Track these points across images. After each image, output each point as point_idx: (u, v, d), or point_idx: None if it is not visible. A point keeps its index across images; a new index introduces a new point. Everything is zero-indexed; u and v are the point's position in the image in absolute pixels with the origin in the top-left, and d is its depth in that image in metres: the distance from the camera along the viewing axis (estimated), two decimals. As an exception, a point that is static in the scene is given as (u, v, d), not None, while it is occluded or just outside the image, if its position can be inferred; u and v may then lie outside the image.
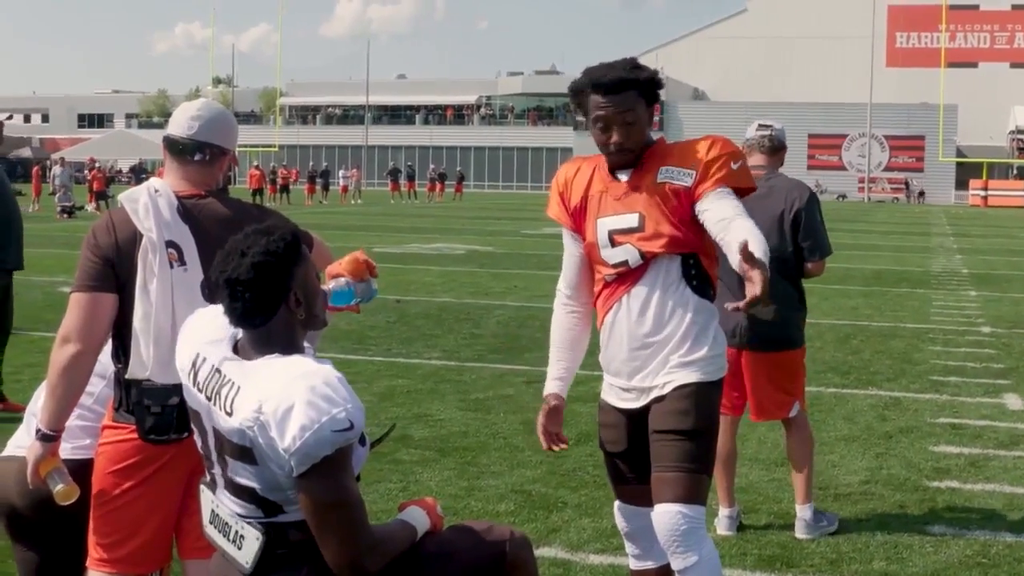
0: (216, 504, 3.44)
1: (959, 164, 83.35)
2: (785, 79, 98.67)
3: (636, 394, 4.40)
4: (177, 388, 3.74)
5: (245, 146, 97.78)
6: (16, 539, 4.59)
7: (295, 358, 3.27)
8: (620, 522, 4.63)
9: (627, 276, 4.37)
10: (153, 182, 4.06)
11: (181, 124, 4.12)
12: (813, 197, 6.61)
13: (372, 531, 3.30)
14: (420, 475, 7.52)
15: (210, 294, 3.55)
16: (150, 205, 3.96)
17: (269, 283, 3.28)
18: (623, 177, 4.39)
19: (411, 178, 72.05)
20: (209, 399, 3.31)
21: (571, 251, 4.61)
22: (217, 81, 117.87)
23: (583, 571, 5.84)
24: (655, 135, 4.46)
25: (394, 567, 3.41)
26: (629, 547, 4.66)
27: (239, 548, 3.34)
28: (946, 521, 6.83)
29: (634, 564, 4.67)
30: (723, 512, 6.60)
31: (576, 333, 4.67)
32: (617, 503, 4.63)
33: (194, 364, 3.42)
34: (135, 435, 3.99)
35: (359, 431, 3.17)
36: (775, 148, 6.68)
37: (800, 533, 6.49)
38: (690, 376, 4.32)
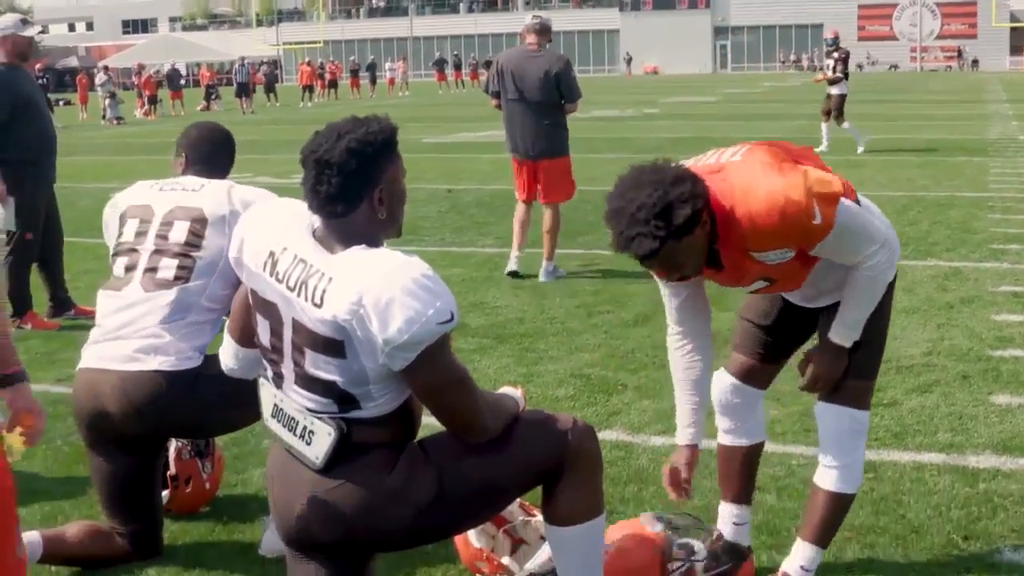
0: (280, 399, 3.43)
1: (1013, 29, 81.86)
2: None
3: (808, 300, 4.27)
4: None
5: (290, 43, 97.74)
6: (95, 448, 4.60)
7: (384, 251, 3.26)
8: (721, 395, 4.41)
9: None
10: None
11: None
12: (567, 64, 10.34)
13: (486, 396, 3.45)
14: (479, 363, 7.51)
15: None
16: None
17: (358, 171, 3.25)
18: (720, 259, 3.86)
19: (458, 67, 71.74)
20: (292, 289, 3.27)
21: (674, 293, 4.15)
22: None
23: (644, 452, 5.81)
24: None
25: (454, 455, 3.42)
26: (723, 422, 4.48)
27: (308, 443, 3.35)
28: (1011, 390, 6.75)
29: (725, 440, 4.51)
30: (545, 264, 10.45)
31: (697, 373, 4.20)
32: (723, 374, 4.41)
33: (272, 253, 3.37)
34: None
35: (457, 321, 3.20)
36: (542, 30, 10.45)
37: (540, 278, 10.37)
38: None
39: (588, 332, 8.37)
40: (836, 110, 20.99)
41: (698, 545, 4.24)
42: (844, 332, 4.05)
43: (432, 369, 3.21)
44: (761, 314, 4.39)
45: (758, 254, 3.78)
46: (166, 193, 4.79)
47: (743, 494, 4.55)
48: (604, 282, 10.18)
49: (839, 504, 4.19)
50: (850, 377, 4.13)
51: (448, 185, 17.52)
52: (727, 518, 4.55)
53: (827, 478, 4.16)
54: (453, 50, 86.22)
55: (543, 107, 10.28)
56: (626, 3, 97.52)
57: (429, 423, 3.47)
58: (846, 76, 20.89)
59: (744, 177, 3.73)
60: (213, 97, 51.72)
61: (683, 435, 4.22)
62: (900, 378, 6.94)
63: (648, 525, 4.22)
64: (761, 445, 4.54)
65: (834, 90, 20.82)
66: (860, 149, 20.91)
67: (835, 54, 21.05)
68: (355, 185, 3.25)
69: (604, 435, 5.87)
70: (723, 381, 4.42)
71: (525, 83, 10.30)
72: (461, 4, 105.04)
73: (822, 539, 4.20)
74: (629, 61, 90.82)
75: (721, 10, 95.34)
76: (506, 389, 3.79)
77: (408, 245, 11.86)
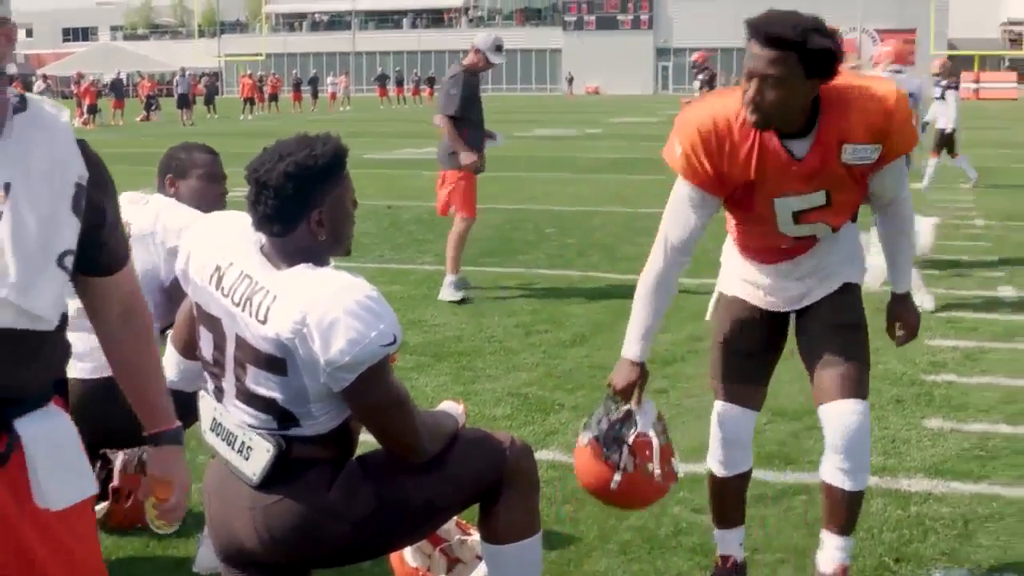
0: (220, 413, 3.42)
1: (951, 57, 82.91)
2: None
3: (792, 302, 4.35)
4: None
5: (232, 55, 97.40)
6: None
7: (329, 271, 3.26)
8: (722, 427, 4.43)
9: (806, 241, 4.21)
10: None
11: None
12: (448, 78, 10.48)
13: (424, 417, 3.44)
14: (416, 381, 7.50)
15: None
16: None
17: (295, 195, 3.24)
18: (799, 152, 3.93)
19: (399, 83, 71.80)
20: (237, 304, 3.26)
21: (699, 213, 4.09)
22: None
23: (581, 473, 5.82)
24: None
25: (392, 472, 3.42)
26: (721, 454, 4.48)
27: (246, 459, 3.34)
28: (943, 415, 6.83)
29: (721, 472, 4.52)
30: (449, 279, 10.32)
31: (671, 295, 4.24)
32: (723, 406, 4.42)
33: (218, 268, 3.36)
34: None
35: (399, 344, 3.20)
36: (471, 49, 10.51)
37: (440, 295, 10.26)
38: (852, 276, 4.33)
39: (526, 351, 8.39)
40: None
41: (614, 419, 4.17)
42: (906, 278, 4.40)
43: (372, 391, 3.21)
44: (742, 339, 4.39)
45: (852, 147, 3.89)
46: (126, 206, 4.78)
47: (743, 515, 4.64)
48: (542, 302, 10.21)
49: (861, 499, 4.32)
50: (862, 366, 4.21)
51: (388, 201, 17.49)
52: (734, 542, 4.62)
53: (852, 479, 4.21)
54: (396, 66, 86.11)
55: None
56: (569, 23, 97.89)
57: (368, 439, 3.48)
58: None
59: (859, 80, 4.00)
60: (153, 108, 51.40)
61: (639, 351, 4.17)
62: (835, 401, 6.98)
63: (581, 440, 4.17)
64: (747, 473, 4.58)
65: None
66: None
67: (700, 76, 21.30)
68: (291, 207, 3.24)
69: (540, 455, 5.87)
70: (729, 412, 4.42)
71: None
72: (404, 20, 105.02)
73: (850, 529, 4.32)
74: (571, 81, 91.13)
75: (664, 32, 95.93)
76: (447, 404, 3.80)
77: (348, 261, 11.77)
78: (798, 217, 4.07)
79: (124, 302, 2.87)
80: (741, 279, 4.42)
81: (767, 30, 3.72)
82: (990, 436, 6.44)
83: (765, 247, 4.28)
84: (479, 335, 8.93)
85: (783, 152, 3.91)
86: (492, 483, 3.59)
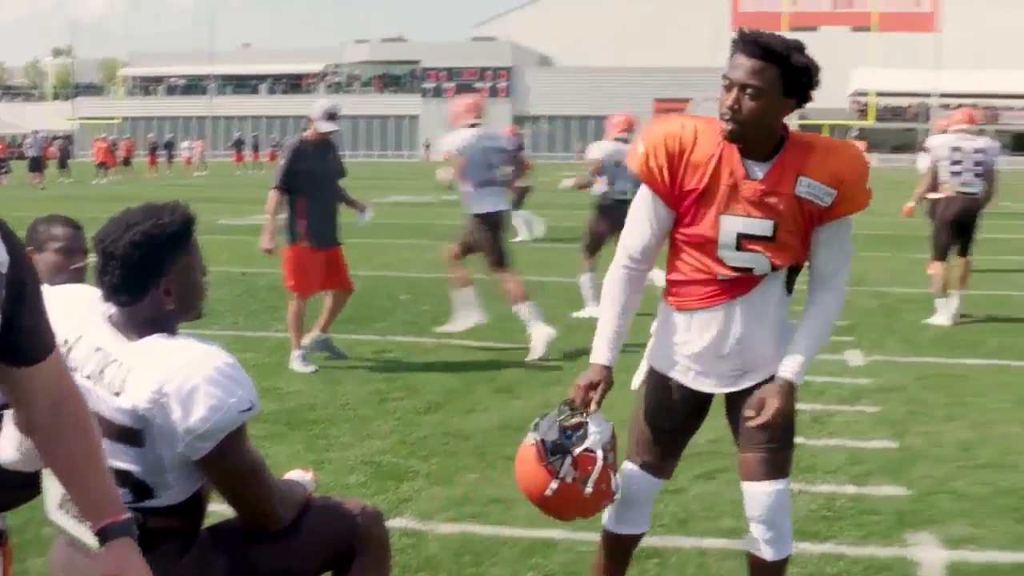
0: None
1: (801, 126, 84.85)
2: (633, 44, 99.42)
3: (725, 382, 4.35)
4: None
5: (86, 119, 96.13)
6: None
7: (182, 340, 3.25)
8: (628, 488, 4.45)
9: (744, 281, 4.18)
10: None
11: None
12: (287, 150, 10.39)
13: (279, 485, 3.44)
14: (269, 449, 7.42)
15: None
16: None
17: (142, 264, 3.22)
18: (758, 173, 4.06)
19: (256, 148, 71.47)
20: (89, 378, 3.22)
21: (656, 220, 4.21)
22: (57, 52, 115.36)
23: (435, 540, 5.81)
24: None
25: (243, 541, 3.39)
26: (623, 513, 4.51)
27: None
28: (791, 476, 6.90)
29: (619, 529, 4.55)
30: (295, 354, 10.15)
31: (636, 302, 4.33)
32: (633, 468, 4.46)
33: (66, 342, 3.31)
34: None
35: (258, 410, 3.21)
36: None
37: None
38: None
39: (380, 419, 8.35)
40: (519, 199, 22.30)
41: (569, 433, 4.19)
42: (800, 371, 4.20)
43: (230, 458, 3.20)
44: (665, 418, 4.44)
45: (809, 182, 4.01)
46: None
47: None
48: (397, 369, 10.19)
49: (785, 566, 4.47)
50: (789, 447, 4.37)
51: (243, 268, 17.33)
52: None
53: (773, 548, 4.41)
54: (253, 131, 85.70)
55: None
56: (428, 90, 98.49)
57: (218, 510, 3.44)
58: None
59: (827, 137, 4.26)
60: (3, 171, 50.41)
61: (609, 355, 4.26)
62: (686, 464, 6.99)
63: (527, 440, 4.20)
64: (640, 535, 4.65)
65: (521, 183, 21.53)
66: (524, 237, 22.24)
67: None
68: (138, 277, 3.23)
69: (394, 523, 5.85)
70: (637, 475, 4.48)
71: None
72: (262, 85, 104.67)
73: None
74: (428, 147, 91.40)
75: (521, 99, 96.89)
76: (294, 473, 3.78)
77: (201, 329, 11.61)
78: (741, 242, 4.11)
79: (52, 393, 2.62)
80: (672, 353, 4.38)
81: (755, 39, 3.91)
82: (836, 497, 6.57)
83: (700, 281, 4.22)
84: (333, 403, 8.87)
85: (741, 168, 4.05)
86: (344, 550, 3.59)
